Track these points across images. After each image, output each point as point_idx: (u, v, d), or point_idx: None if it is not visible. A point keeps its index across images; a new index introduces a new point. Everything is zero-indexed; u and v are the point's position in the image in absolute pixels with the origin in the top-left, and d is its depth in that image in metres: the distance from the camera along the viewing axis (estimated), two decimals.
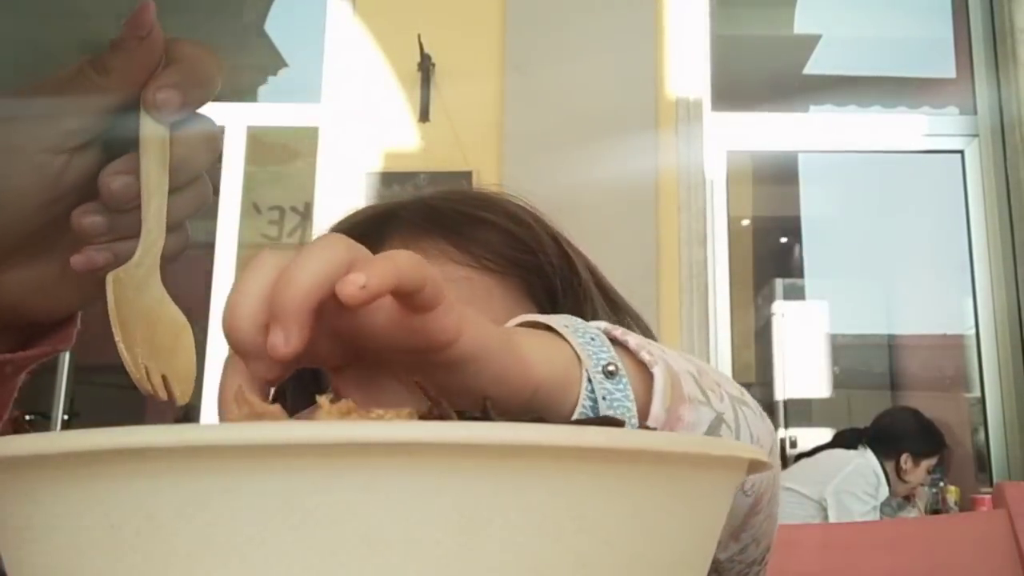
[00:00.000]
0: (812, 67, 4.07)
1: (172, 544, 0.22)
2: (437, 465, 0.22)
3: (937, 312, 3.96)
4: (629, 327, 0.49)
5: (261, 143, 3.55)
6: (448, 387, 0.34)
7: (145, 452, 0.22)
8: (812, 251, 4.64)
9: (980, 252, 2.92)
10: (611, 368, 0.38)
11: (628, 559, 0.25)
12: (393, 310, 0.31)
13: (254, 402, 0.31)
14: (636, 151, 2.70)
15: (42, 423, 2.96)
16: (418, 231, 0.63)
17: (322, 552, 0.22)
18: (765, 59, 3.91)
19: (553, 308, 0.61)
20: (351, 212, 0.66)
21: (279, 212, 3.79)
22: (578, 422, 0.39)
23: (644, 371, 0.39)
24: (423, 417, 0.30)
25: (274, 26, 3.98)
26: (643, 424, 0.39)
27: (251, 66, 4.09)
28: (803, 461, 2.93)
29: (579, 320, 0.40)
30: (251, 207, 3.57)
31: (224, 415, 0.31)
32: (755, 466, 0.30)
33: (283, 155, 3.94)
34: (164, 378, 0.41)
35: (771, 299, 4.37)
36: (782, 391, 3.91)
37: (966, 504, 2.97)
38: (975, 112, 3.03)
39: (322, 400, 0.31)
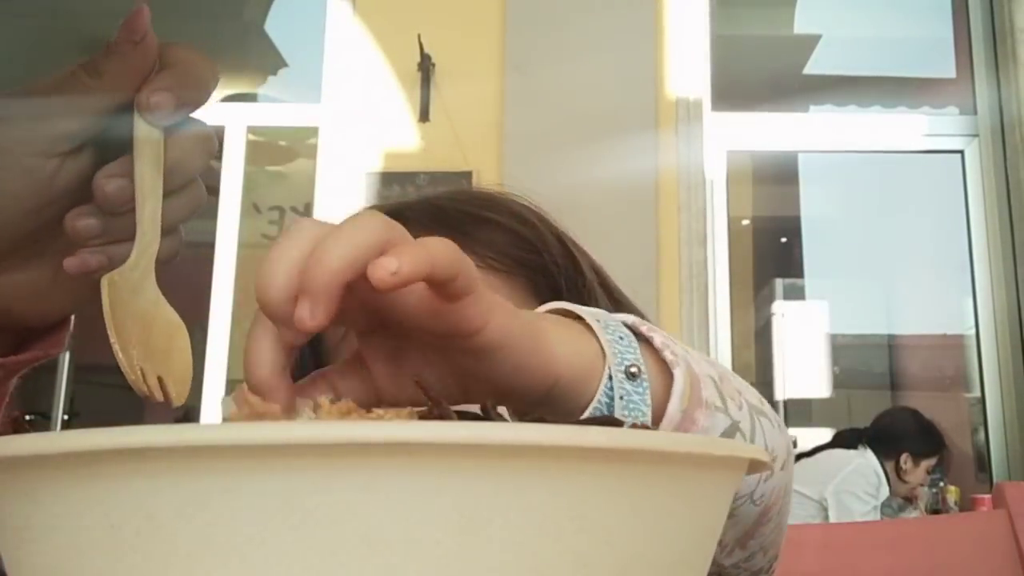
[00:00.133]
0: (812, 67, 4.07)
1: (172, 544, 0.22)
2: (437, 465, 0.22)
3: (937, 312, 3.96)
4: None
5: (261, 143, 3.56)
6: (469, 372, 0.35)
7: (145, 452, 0.22)
8: (812, 251, 4.64)
9: (980, 252, 2.92)
10: (633, 370, 0.38)
11: (628, 559, 0.25)
12: (424, 293, 0.31)
13: (254, 402, 0.31)
14: (636, 151, 2.70)
15: (42, 423, 2.96)
16: (423, 231, 0.63)
17: (322, 552, 0.22)
18: (765, 59, 3.91)
19: None
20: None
21: (279, 212, 3.79)
22: (578, 422, 0.39)
23: (665, 370, 0.40)
24: (423, 417, 0.30)
25: (274, 26, 3.98)
26: (652, 425, 0.39)
27: (251, 66, 4.09)
28: (803, 461, 2.93)
29: (610, 316, 0.40)
30: (251, 207, 3.57)
31: (248, 374, 0.31)
32: (755, 466, 0.30)
33: (283, 155, 3.94)
34: (160, 379, 0.41)
35: (771, 299, 4.37)
36: (782, 391, 3.91)
37: (966, 504, 2.97)
38: (975, 112, 3.03)
39: (322, 400, 0.31)
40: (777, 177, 4.46)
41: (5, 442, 0.23)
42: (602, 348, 0.38)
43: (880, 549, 0.99)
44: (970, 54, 3.09)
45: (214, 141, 0.43)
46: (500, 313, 0.33)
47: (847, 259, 4.68)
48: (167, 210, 0.41)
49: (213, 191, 2.92)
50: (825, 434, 3.24)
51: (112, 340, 0.39)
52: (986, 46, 3.02)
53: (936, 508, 3.01)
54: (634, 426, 0.38)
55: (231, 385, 2.78)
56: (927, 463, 2.91)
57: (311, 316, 0.28)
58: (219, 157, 2.92)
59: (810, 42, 4.06)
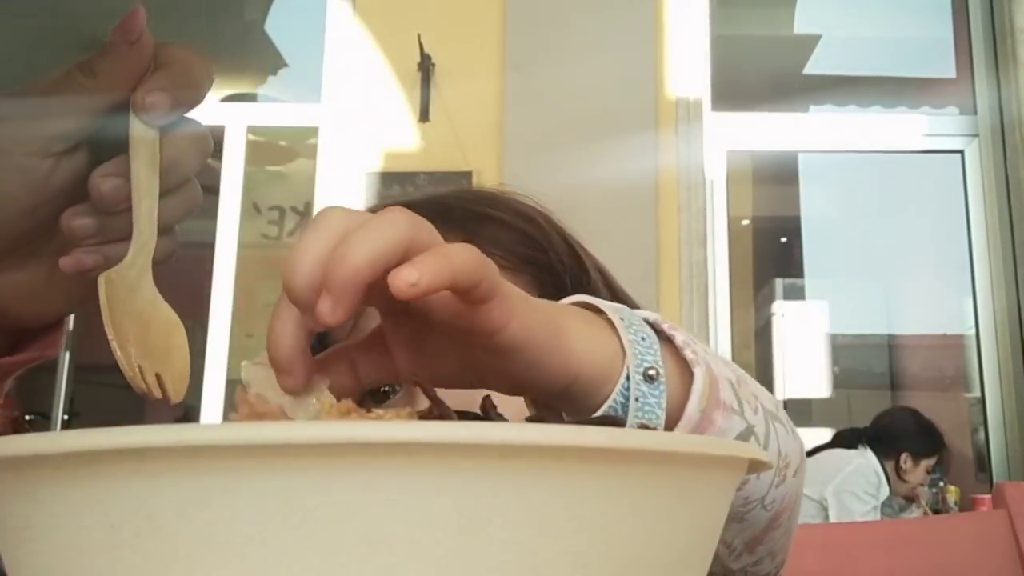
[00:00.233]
0: (812, 67, 4.07)
1: (172, 544, 0.22)
2: (437, 465, 0.22)
3: (937, 312, 3.96)
4: None
5: (261, 143, 3.56)
6: (488, 366, 0.35)
7: (145, 452, 0.22)
8: (812, 251, 4.64)
9: (980, 252, 2.92)
10: (652, 372, 0.38)
11: (628, 559, 0.25)
12: (446, 294, 0.32)
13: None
14: (636, 151, 2.70)
15: (42, 423, 2.95)
16: None
17: (322, 552, 0.22)
18: (765, 59, 3.91)
19: None
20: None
21: (279, 212, 3.79)
22: (579, 422, 0.39)
23: (685, 369, 0.40)
24: (423, 417, 0.30)
25: (274, 26, 3.98)
26: (670, 424, 0.39)
27: (251, 66, 4.09)
28: None
29: (634, 315, 0.40)
30: (251, 207, 3.57)
31: (270, 350, 0.32)
32: (755, 466, 0.30)
33: (283, 155, 3.94)
34: (158, 377, 0.41)
35: (771, 299, 4.37)
36: (782, 391, 3.91)
37: (966, 504, 2.97)
38: (975, 112, 3.03)
39: (322, 400, 0.31)
40: (777, 177, 4.46)
41: (5, 442, 0.23)
42: (622, 347, 0.38)
43: (880, 549, 0.99)
44: (970, 54, 3.09)
45: (209, 141, 0.43)
46: (521, 314, 0.34)
47: (847, 259, 4.68)
48: (163, 210, 0.41)
49: (213, 191, 2.92)
50: (825, 434, 3.24)
51: (110, 337, 0.39)
52: (986, 46, 3.02)
53: (936, 508, 3.01)
54: (642, 426, 0.38)
55: (231, 385, 2.78)
56: (927, 463, 2.91)
57: (331, 313, 0.29)
58: (219, 157, 2.92)
59: (810, 42, 4.05)
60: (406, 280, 0.28)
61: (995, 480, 2.79)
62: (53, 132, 0.40)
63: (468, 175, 2.69)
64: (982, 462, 3.05)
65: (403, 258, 0.30)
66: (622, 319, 0.39)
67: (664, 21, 2.88)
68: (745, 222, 4.40)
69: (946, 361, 3.82)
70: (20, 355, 0.44)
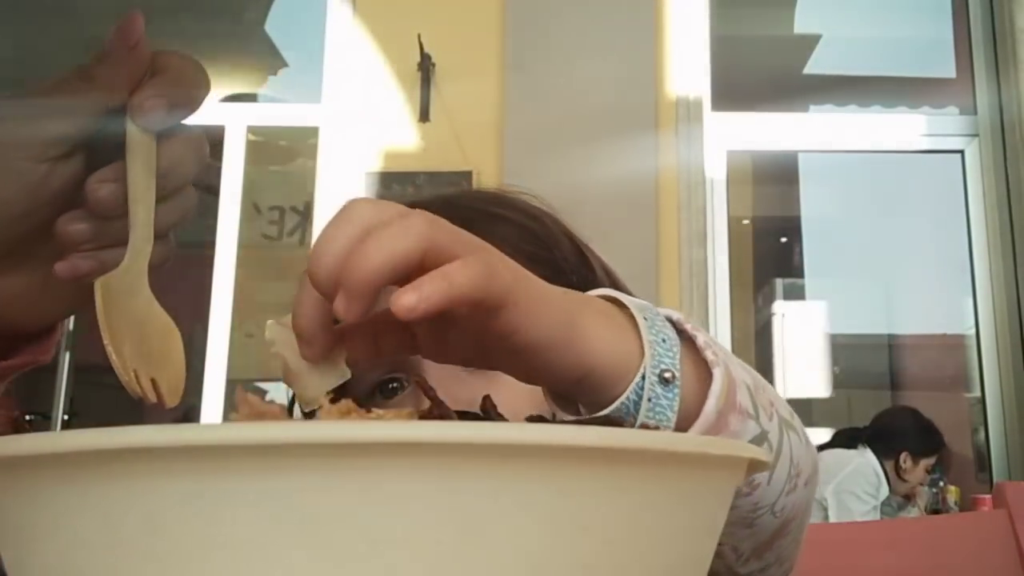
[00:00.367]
0: (812, 67, 4.07)
1: (172, 544, 0.22)
2: (437, 465, 0.22)
3: (937, 312, 3.96)
4: None
5: (261, 143, 3.55)
6: (502, 359, 0.36)
7: (145, 452, 0.22)
8: (812, 251, 4.64)
9: (980, 252, 2.92)
10: (667, 375, 0.38)
11: (628, 559, 0.25)
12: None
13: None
14: (636, 151, 2.70)
15: (42, 423, 2.95)
16: None
17: (322, 552, 0.22)
18: (765, 59, 3.91)
19: None
20: None
21: (279, 212, 3.78)
22: (579, 422, 0.39)
23: (704, 369, 0.40)
24: (423, 417, 0.30)
25: (274, 26, 3.97)
26: (686, 425, 0.39)
27: (251, 66, 4.09)
28: None
29: (658, 314, 0.40)
30: (251, 207, 3.57)
31: (294, 322, 0.34)
32: (754, 466, 0.30)
33: (283, 155, 3.94)
34: (153, 381, 0.41)
35: (771, 299, 4.37)
36: (782, 391, 3.90)
37: (966, 504, 2.97)
38: (975, 112, 3.03)
39: (322, 400, 0.31)
40: (777, 177, 4.46)
41: (5, 442, 0.23)
42: (641, 346, 0.38)
43: (880, 549, 0.99)
44: (970, 54, 3.09)
45: (206, 147, 0.43)
46: (535, 317, 0.34)
47: (847, 259, 4.68)
48: (158, 215, 0.41)
49: (213, 191, 2.92)
50: (825, 434, 3.24)
51: (105, 342, 0.39)
52: (986, 46, 3.02)
53: (936, 508, 3.01)
54: (643, 426, 0.38)
55: (231, 385, 2.78)
56: (926, 462, 2.91)
57: (345, 311, 0.31)
58: (219, 157, 2.92)
59: (810, 42, 4.05)
60: (404, 305, 0.30)
61: (995, 480, 2.79)
62: (50, 136, 0.40)
63: (468, 175, 2.69)
64: (982, 462, 3.05)
65: (419, 265, 0.31)
66: (645, 318, 0.39)
67: (664, 21, 2.88)
68: (745, 222, 4.40)
69: (946, 361, 3.81)
70: (13, 360, 0.44)
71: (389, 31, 2.87)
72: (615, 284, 0.65)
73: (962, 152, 3.03)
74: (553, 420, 0.42)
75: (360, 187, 2.73)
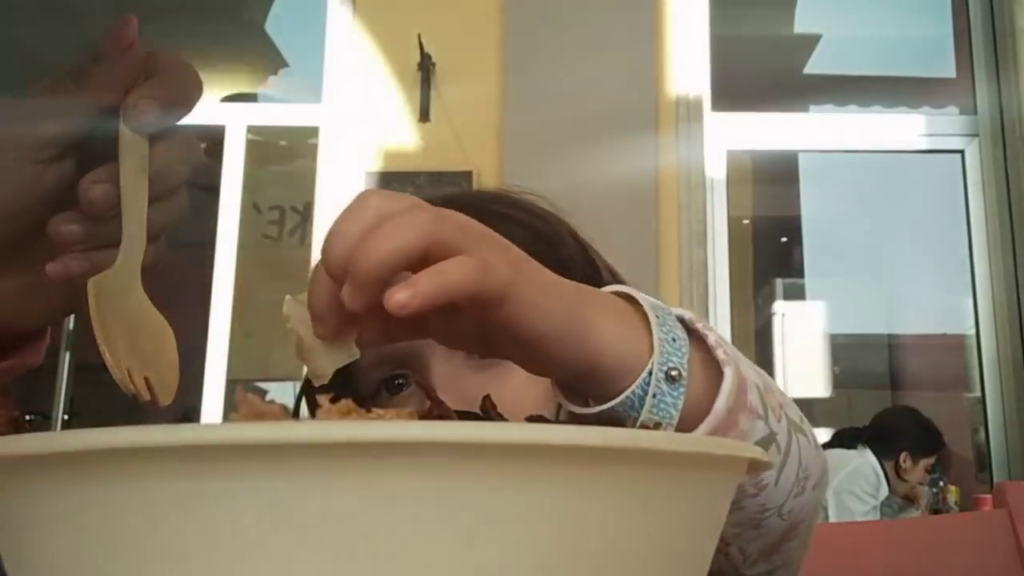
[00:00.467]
0: (812, 67, 4.07)
1: (172, 544, 0.22)
2: (437, 465, 0.22)
3: (937, 312, 3.96)
4: None
5: (261, 143, 3.55)
6: (510, 350, 0.37)
7: (145, 452, 0.22)
8: (812, 251, 4.64)
9: (980, 252, 2.92)
10: (674, 373, 0.39)
11: (628, 559, 0.25)
12: None
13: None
14: (636, 151, 2.70)
15: (42, 423, 2.95)
16: None
17: (322, 552, 0.22)
18: (765, 59, 3.91)
19: None
20: None
21: (279, 212, 3.78)
22: (579, 422, 0.39)
23: (714, 369, 0.40)
24: (423, 417, 0.30)
25: (274, 26, 3.97)
26: (695, 423, 0.40)
27: (251, 66, 4.09)
28: None
29: (670, 313, 0.41)
30: (251, 207, 3.57)
31: (309, 302, 0.35)
32: (754, 466, 0.30)
33: (283, 155, 3.94)
34: (147, 379, 0.41)
35: (771, 299, 4.37)
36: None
37: (966, 504, 2.97)
38: (975, 112, 3.03)
39: (322, 400, 0.31)
40: (777, 177, 4.45)
41: (5, 442, 0.23)
42: (651, 343, 0.39)
43: (880, 549, 0.99)
44: (970, 54, 3.09)
45: (199, 150, 0.43)
46: (539, 310, 0.35)
47: (847, 259, 4.68)
48: (150, 218, 0.42)
49: (213, 191, 2.92)
50: (825, 434, 3.24)
51: (99, 340, 0.39)
52: (986, 46, 3.02)
53: (936, 508, 3.01)
54: (643, 426, 0.38)
55: (231, 385, 2.78)
56: (926, 462, 2.91)
57: (352, 300, 0.32)
58: (219, 157, 2.92)
59: (810, 42, 4.05)
60: (397, 301, 0.31)
61: (995, 480, 2.79)
62: (43, 137, 0.40)
63: (468, 175, 2.69)
64: (982, 462, 3.05)
65: (422, 258, 0.32)
66: (657, 316, 0.40)
67: (664, 21, 2.88)
68: (745, 222, 4.40)
69: (946, 361, 3.81)
70: (2, 363, 0.44)
71: (389, 31, 2.87)
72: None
73: (962, 152, 3.03)
74: (556, 420, 0.43)
75: (360, 187, 2.73)
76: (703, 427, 0.39)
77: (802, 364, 4.08)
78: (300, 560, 0.22)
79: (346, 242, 0.32)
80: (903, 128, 3.12)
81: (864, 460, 2.86)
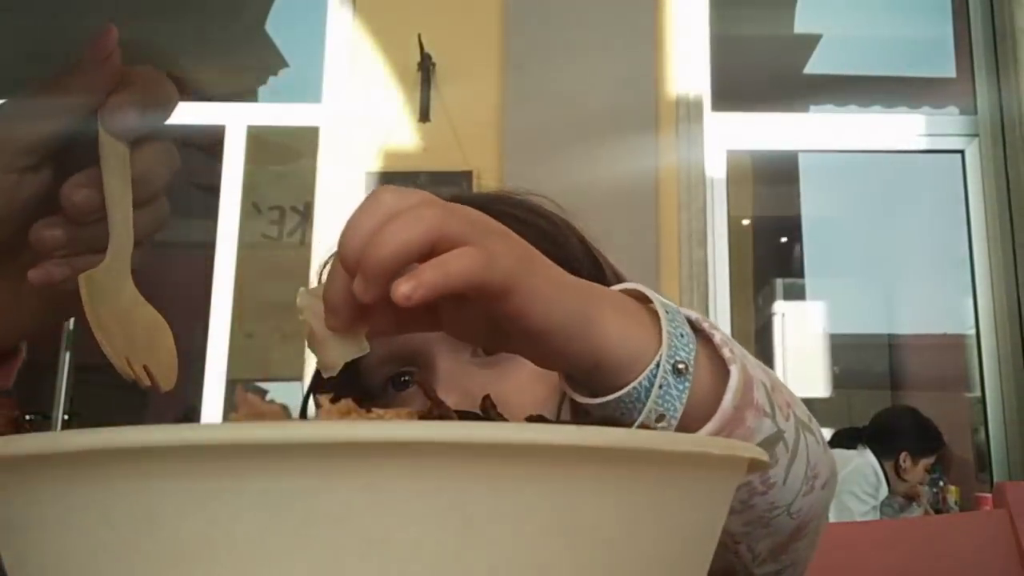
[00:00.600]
0: (812, 67, 4.07)
1: (172, 544, 0.22)
2: (437, 465, 0.22)
3: (937, 312, 3.96)
4: None
5: (261, 143, 3.55)
6: (516, 342, 0.37)
7: (145, 452, 0.22)
8: (812, 251, 4.64)
9: (980, 252, 2.92)
10: (681, 366, 0.39)
11: (627, 558, 0.25)
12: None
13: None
14: (636, 151, 2.70)
15: (42, 423, 2.95)
16: None
17: (322, 552, 0.22)
18: (765, 59, 3.91)
19: None
20: None
21: (279, 212, 3.78)
22: (578, 422, 0.39)
23: (721, 368, 0.41)
24: (423, 417, 0.30)
25: (274, 26, 3.97)
26: (702, 421, 0.40)
27: (251, 66, 4.08)
28: None
29: (678, 312, 0.42)
30: (251, 207, 3.57)
31: (326, 289, 0.36)
32: (754, 465, 0.30)
33: (283, 155, 3.94)
34: (146, 367, 0.41)
35: (771, 299, 4.37)
36: None
37: (966, 504, 2.97)
38: (975, 112, 3.03)
39: (322, 399, 0.31)
40: (777, 177, 4.46)
41: (5, 442, 0.23)
42: (660, 337, 0.40)
43: (880, 549, 0.99)
44: (970, 54, 3.09)
45: (177, 156, 0.43)
46: (546, 303, 0.36)
47: (847, 259, 4.68)
48: (133, 223, 0.41)
49: (213, 191, 2.91)
50: (825, 434, 3.24)
51: (94, 329, 0.39)
52: (986, 46, 3.02)
53: (936, 508, 3.01)
54: (647, 418, 0.38)
55: (231, 385, 2.78)
56: (926, 461, 2.91)
57: (363, 293, 0.33)
58: (219, 157, 2.91)
59: (810, 42, 4.05)
60: (402, 293, 0.32)
61: (995, 480, 2.79)
62: (20, 145, 0.40)
63: (468, 175, 2.69)
64: (982, 462, 3.05)
65: (430, 251, 0.33)
66: (667, 312, 0.41)
67: (664, 21, 2.88)
68: (745, 222, 4.40)
69: (946, 361, 3.81)
70: None
71: (389, 31, 2.87)
72: None
73: (962, 152, 3.03)
74: (557, 419, 0.43)
75: (360, 187, 2.73)
76: (710, 424, 0.39)
77: (802, 364, 4.08)
78: (300, 560, 0.22)
79: (359, 237, 0.34)
80: (903, 128, 3.12)
81: (864, 460, 2.86)
